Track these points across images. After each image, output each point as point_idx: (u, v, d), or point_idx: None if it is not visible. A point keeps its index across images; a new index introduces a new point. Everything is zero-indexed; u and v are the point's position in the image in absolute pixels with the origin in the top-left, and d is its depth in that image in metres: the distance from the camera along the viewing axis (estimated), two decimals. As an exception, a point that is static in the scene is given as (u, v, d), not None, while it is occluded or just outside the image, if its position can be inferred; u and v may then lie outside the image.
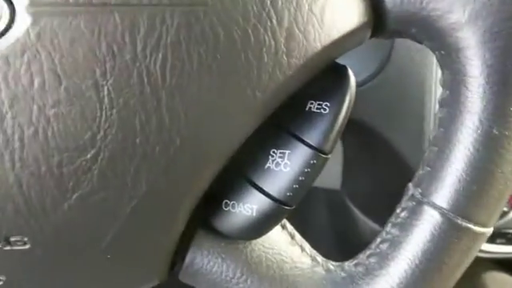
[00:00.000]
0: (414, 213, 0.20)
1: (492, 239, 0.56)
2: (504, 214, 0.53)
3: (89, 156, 0.16)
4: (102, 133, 0.16)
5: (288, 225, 0.23)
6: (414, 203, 0.20)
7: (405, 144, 0.52)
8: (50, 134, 0.16)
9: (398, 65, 0.47)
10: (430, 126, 0.48)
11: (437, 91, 0.45)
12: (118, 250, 0.19)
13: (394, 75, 0.48)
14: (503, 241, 0.56)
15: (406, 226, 0.20)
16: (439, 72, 0.45)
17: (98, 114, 0.16)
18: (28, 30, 0.15)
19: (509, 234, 0.56)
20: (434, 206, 0.19)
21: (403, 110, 0.50)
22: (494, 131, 0.18)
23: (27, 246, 0.17)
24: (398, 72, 0.48)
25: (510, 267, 0.76)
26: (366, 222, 0.70)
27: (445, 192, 0.19)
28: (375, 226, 0.69)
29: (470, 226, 0.19)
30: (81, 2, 0.15)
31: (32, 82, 0.15)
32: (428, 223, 0.19)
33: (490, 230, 0.20)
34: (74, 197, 0.17)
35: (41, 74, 0.15)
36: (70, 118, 0.16)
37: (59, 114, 0.16)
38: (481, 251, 0.61)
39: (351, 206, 0.73)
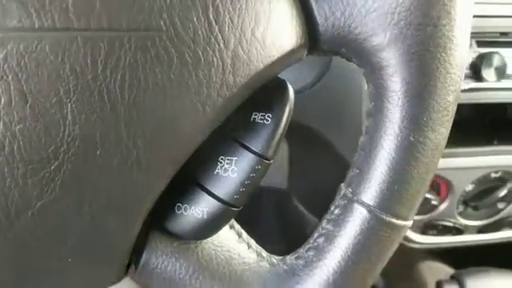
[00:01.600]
0: (346, 210, 0.23)
1: (424, 230, 0.61)
2: (434, 207, 0.58)
3: (52, 167, 0.18)
4: (65, 146, 0.18)
5: (236, 224, 0.25)
6: (345, 201, 0.23)
7: (344, 145, 0.55)
8: (15, 147, 0.17)
9: (337, 72, 0.50)
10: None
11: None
12: (78, 254, 0.20)
13: (333, 81, 0.51)
14: (435, 232, 0.61)
15: (339, 222, 0.23)
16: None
17: (62, 129, 0.17)
18: None
19: (439, 225, 0.60)
20: (363, 204, 0.22)
21: (342, 113, 0.53)
22: (411, 138, 0.21)
23: None
24: (337, 78, 0.51)
25: (444, 256, 0.82)
26: (312, 220, 0.74)
27: (371, 191, 0.22)
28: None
29: (393, 220, 0.22)
30: (45, 27, 0.17)
31: None
32: (358, 219, 0.22)
33: (410, 223, 0.23)
34: (38, 205, 0.18)
35: (8, 93, 0.17)
36: (35, 133, 0.17)
37: (25, 130, 0.17)
38: (414, 242, 0.66)
39: (298, 204, 0.77)
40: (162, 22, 0.18)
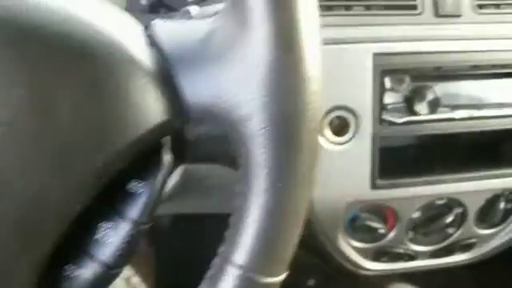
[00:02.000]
0: (220, 269, 0.24)
1: (376, 257, 0.62)
2: (383, 236, 0.60)
3: None
4: None
5: (134, 279, 0.27)
6: (220, 260, 0.25)
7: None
8: None
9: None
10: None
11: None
12: None
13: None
14: (385, 259, 0.62)
15: (214, 280, 0.24)
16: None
17: None
18: None
19: (391, 252, 0.62)
20: (233, 264, 0.24)
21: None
22: (274, 204, 0.23)
23: None
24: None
25: (414, 278, 0.83)
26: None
27: (242, 251, 0.24)
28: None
29: (262, 278, 0.24)
30: None
31: None
32: (230, 278, 0.24)
33: (280, 278, 0.25)
34: None
35: None
36: None
37: None
38: (366, 269, 0.66)
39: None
40: (32, 117, 0.20)
